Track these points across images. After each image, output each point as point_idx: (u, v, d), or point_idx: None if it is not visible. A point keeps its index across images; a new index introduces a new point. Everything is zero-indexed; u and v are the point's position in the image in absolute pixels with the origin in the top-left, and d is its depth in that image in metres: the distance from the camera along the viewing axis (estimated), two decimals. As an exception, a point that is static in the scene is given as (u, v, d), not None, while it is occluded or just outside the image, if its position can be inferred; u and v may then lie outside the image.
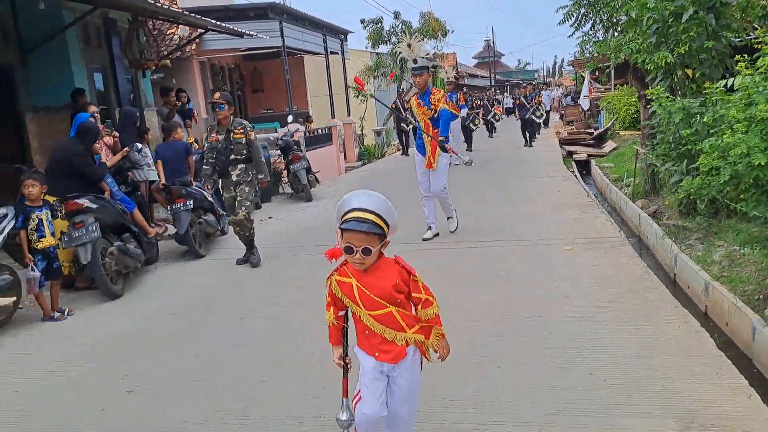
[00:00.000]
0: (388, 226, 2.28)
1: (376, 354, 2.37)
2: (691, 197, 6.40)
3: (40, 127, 9.16)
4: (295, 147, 11.21)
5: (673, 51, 7.45)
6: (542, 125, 23.43)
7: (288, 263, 6.59)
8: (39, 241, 5.03)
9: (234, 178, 6.42)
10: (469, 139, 17.92)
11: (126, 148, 7.21)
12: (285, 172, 11.43)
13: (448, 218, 7.26)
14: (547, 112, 26.29)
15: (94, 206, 5.52)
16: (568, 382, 3.31)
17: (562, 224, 7.25)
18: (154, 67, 10.68)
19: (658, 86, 7.72)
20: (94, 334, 4.81)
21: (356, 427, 2.42)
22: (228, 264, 6.67)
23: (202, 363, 4.06)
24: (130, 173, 7.21)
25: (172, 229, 7.51)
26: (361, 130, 20.54)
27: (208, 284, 6.01)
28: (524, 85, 25.66)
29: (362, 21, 26.15)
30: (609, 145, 17.66)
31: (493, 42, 56.79)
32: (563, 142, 19.55)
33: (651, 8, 7.60)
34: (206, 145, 6.56)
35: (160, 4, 9.73)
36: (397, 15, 26.21)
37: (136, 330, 4.84)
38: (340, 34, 18.97)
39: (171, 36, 12.09)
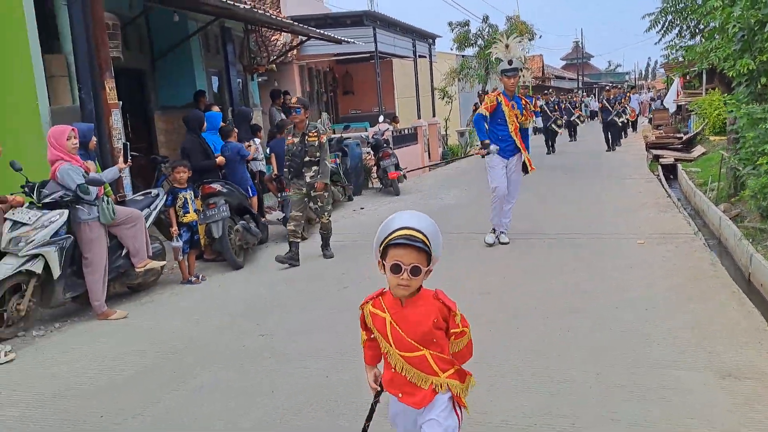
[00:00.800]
0: (433, 251, 2.08)
1: (400, 395, 2.18)
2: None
3: (166, 124, 10.49)
4: (385, 145, 12.07)
5: (756, 58, 7.70)
6: (630, 129, 23.14)
7: (355, 256, 7.40)
8: (184, 216, 6.10)
9: (308, 179, 6.70)
10: (552, 142, 18.15)
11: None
12: (375, 168, 12.31)
13: (504, 232, 7.03)
14: (636, 117, 25.85)
15: (225, 190, 6.57)
16: (629, 344, 3.90)
17: (639, 221, 7.68)
18: (264, 71, 11.83)
19: (741, 92, 7.99)
20: (226, 295, 5.80)
21: None
22: (318, 246, 7.56)
23: (311, 319, 4.93)
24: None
25: (279, 215, 8.51)
26: (445, 131, 21.21)
27: (312, 260, 6.91)
28: (608, 87, 25.35)
29: (450, 24, 26.80)
30: (698, 150, 17.42)
31: (581, 43, 55.87)
32: (650, 146, 19.41)
33: (737, 16, 7.86)
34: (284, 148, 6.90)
35: (269, 14, 10.87)
36: (485, 18, 26.65)
37: (258, 293, 5.79)
38: (429, 38, 19.73)
39: (275, 42, 13.28)
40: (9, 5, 6.35)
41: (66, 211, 4.98)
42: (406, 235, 2.04)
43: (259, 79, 13.25)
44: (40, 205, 4.99)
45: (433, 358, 2.11)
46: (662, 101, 27.83)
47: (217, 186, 6.50)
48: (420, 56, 18.79)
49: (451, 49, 27.19)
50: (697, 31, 10.89)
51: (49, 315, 5.36)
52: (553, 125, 18.10)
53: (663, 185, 11.12)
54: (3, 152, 4.92)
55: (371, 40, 14.97)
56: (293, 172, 6.74)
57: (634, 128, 25.20)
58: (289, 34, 13.35)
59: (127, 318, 5.23)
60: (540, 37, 28.62)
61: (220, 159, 7.05)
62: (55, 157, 5.02)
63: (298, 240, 6.71)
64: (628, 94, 23.25)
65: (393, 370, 2.15)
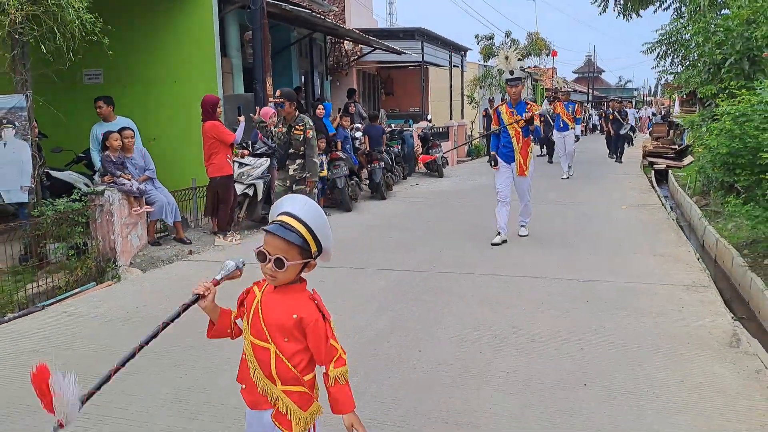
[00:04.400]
0: (318, 245, 1.93)
1: (243, 386, 1.99)
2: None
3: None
4: (432, 138, 15.15)
5: (718, 85, 10.74)
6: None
7: (439, 206, 10.47)
8: (322, 171, 9.19)
9: (290, 172, 6.76)
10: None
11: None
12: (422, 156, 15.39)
13: (524, 224, 7.53)
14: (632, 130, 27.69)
15: (344, 157, 9.66)
16: (617, 245, 6.96)
17: (625, 197, 10.76)
18: (345, 74, 14.95)
19: (703, 111, 11.06)
20: (349, 226, 8.86)
21: None
22: (404, 202, 10.65)
23: (405, 243, 8.00)
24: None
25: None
26: (471, 131, 24.27)
27: (396, 211, 9.97)
28: (619, 100, 27.42)
29: (476, 36, 29.93)
30: (688, 159, 20.42)
31: (593, 58, 58.94)
32: (647, 155, 22.43)
33: (708, 53, 10.94)
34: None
35: (344, 28, 13.99)
36: (508, 33, 29.83)
37: (366, 229, 8.85)
38: (462, 50, 22.84)
39: (340, 49, 16.41)
40: (205, 26, 9.42)
41: (269, 159, 8.07)
42: (280, 221, 1.89)
43: (328, 80, 16.36)
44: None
45: (276, 360, 1.89)
46: (662, 116, 30.82)
47: (340, 153, 9.60)
48: (454, 66, 21.89)
49: (478, 61, 30.21)
50: (684, 60, 13.95)
51: (248, 225, 8.45)
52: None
53: (650, 179, 14.18)
54: (193, 125, 7.91)
55: (418, 51, 18.06)
56: (278, 162, 6.90)
57: (630, 143, 27.00)
58: (351, 43, 16.47)
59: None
60: (557, 55, 31.46)
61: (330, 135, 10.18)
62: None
63: None
64: (626, 108, 24.30)
65: (243, 355, 1.97)
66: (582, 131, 24.51)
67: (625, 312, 4.70)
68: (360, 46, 16.54)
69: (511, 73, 7.14)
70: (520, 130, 7.09)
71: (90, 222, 6.54)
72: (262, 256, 1.89)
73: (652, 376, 3.57)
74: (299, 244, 1.88)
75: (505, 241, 7.10)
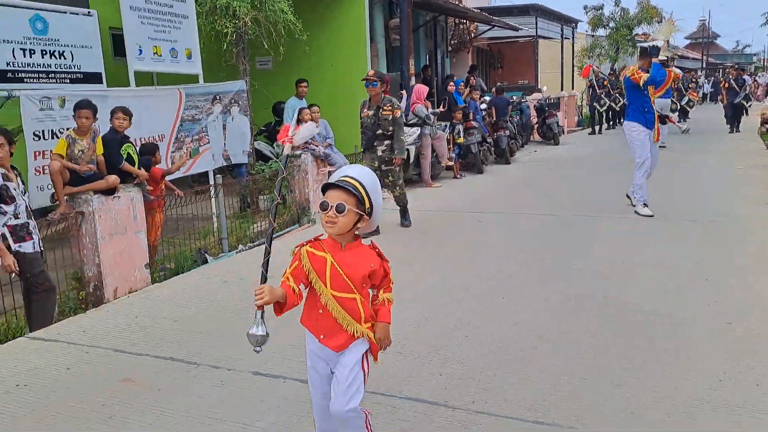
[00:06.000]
0: (370, 204, 2.24)
1: (321, 337, 2.28)
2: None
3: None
4: (547, 108, 16.21)
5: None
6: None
7: (559, 169, 11.67)
8: (458, 139, 10.68)
9: (379, 153, 6.83)
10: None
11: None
12: (537, 125, 16.49)
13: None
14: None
15: (477, 126, 11.09)
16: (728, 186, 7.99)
17: (740, 160, 11.48)
18: (469, 51, 16.30)
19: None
20: (485, 185, 10.31)
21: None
22: (526, 166, 11.96)
23: (535, 198, 9.32)
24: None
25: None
26: (581, 102, 24.82)
27: (522, 173, 11.28)
28: (737, 66, 26.19)
29: (585, 7, 29.95)
30: (809, 125, 20.06)
31: (708, 23, 56.13)
32: (765, 122, 22.08)
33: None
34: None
35: (472, 11, 15.26)
36: (617, 2, 29.55)
37: (499, 187, 10.26)
38: (572, 23, 23.41)
39: (462, 29, 17.70)
40: (359, 18, 11.11)
41: (419, 129, 9.65)
42: (339, 178, 2.25)
43: (447, 57, 17.74)
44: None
45: (362, 305, 2.26)
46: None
47: (474, 123, 11.06)
48: (565, 38, 22.56)
49: (586, 31, 30.28)
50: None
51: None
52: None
53: (765, 142, 14.57)
54: (350, 101, 9.54)
55: (531, 26, 19.02)
56: (365, 144, 6.94)
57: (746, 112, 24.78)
58: (469, 22, 17.71)
59: (441, 188, 9.88)
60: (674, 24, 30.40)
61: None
62: (413, 101, 9.69)
63: (406, 203, 7.14)
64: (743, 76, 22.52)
65: (320, 311, 2.26)
66: (688, 105, 22.42)
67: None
68: (476, 24, 17.77)
69: (657, 47, 6.96)
70: (654, 98, 7.14)
71: (290, 179, 8.41)
72: (324, 205, 2.20)
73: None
74: (356, 194, 2.20)
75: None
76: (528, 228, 6.86)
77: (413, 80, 11.29)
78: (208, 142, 7.61)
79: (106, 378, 3.51)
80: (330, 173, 8.95)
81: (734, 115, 17.64)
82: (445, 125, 10.74)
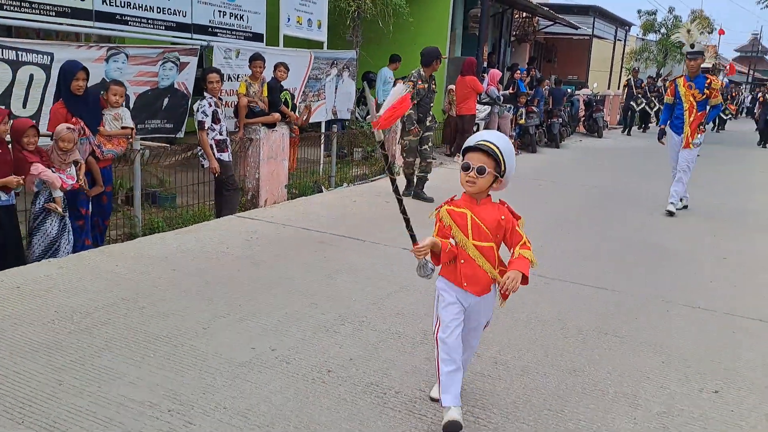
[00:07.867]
0: (505, 166, 2.44)
1: (465, 284, 2.50)
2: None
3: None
4: (595, 103, 17.68)
5: None
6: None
7: (602, 157, 13.24)
8: (521, 120, 12.31)
9: (427, 123, 7.46)
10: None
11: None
12: (582, 118, 17.96)
13: (673, 201, 7.33)
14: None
15: (536, 110, 12.72)
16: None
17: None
18: (532, 43, 17.79)
19: None
20: (539, 162, 11.93)
21: (438, 351, 2.52)
22: (574, 151, 13.53)
23: (585, 173, 10.94)
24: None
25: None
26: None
27: (570, 156, 12.87)
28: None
29: (639, 11, 31.07)
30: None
31: (759, 37, 56.20)
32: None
33: None
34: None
35: (540, 6, 16.73)
36: (671, 9, 30.65)
37: (551, 165, 11.87)
38: (627, 25, 24.66)
39: (526, 22, 19.16)
40: (443, 8, 12.73)
41: (489, 107, 11.31)
42: (480, 141, 2.45)
43: (510, 47, 19.23)
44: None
45: (497, 251, 2.52)
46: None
47: (534, 108, 12.69)
48: (618, 40, 23.85)
49: (637, 35, 31.39)
50: None
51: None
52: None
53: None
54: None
55: (589, 25, 20.37)
56: (422, 114, 7.35)
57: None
58: (530, 15, 19.15)
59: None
60: (723, 33, 31.44)
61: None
62: (488, 83, 11.34)
63: (413, 177, 7.64)
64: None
65: (462, 261, 2.49)
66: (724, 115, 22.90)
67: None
68: (538, 18, 19.20)
69: (692, 46, 7.17)
70: (695, 103, 7.14)
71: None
72: (466, 166, 2.42)
73: None
74: (494, 156, 2.41)
75: (671, 213, 7.24)
76: (576, 192, 8.54)
77: (485, 65, 12.92)
78: (325, 98, 9.38)
79: (306, 240, 5.32)
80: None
81: (766, 129, 18.05)
82: (510, 107, 12.37)
